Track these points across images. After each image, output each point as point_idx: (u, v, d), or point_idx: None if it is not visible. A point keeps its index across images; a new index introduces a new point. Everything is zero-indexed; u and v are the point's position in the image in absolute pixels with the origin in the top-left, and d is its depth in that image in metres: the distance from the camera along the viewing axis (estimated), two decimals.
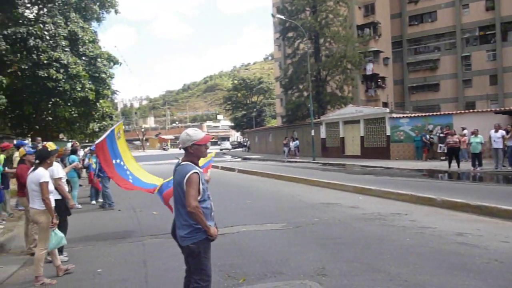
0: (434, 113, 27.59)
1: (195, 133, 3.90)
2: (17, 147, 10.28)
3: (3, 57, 18.43)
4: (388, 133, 27.60)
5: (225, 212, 10.20)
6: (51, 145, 6.55)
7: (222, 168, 26.67)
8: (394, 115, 27.97)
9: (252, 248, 6.92)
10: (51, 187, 5.93)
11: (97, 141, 7.16)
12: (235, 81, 77.78)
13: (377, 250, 6.54)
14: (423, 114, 27.60)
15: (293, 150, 34.94)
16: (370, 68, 45.67)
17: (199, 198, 3.72)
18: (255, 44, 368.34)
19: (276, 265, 5.99)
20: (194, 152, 3.89)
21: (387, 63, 49.40)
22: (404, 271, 5.45)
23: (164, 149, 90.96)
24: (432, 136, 24.78)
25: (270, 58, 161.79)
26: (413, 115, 28.41)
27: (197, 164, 3.89)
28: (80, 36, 23.15)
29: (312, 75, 36.40)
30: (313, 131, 31.14)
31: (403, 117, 27.63)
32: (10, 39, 19.58)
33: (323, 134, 33.85)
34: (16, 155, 10.09)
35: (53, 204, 5.86)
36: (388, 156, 27.12)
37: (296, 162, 30.38)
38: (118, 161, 8.20)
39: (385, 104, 45.68)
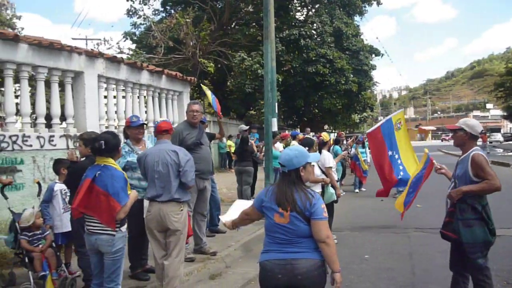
0: None
1: None
2: (293, 137, 11.63)
3: (279, 57, 20.94)
4: None
5: (500, 212, 9.15)
6: (325, 136, 7.15)
7: (492, 162, 23.94)
8: None
9: None
10: (317, 171, 6.39)
11: (369, 130, 6.97)
12: (509, 64, 68.19)
13: None
14: None
15: None
16: None
17: None
18: None
19: None
20: None
21: None
22: None
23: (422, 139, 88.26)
24: None
25: None
26: None
27: None
28: (344, 31, 24.36)
29: None
30: None
31: None
32: (285, 41, 22.12)
33: None
34: (294, 144, 11.34)
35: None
36: None
37: None
38: (393, 153, 7.44)
39: None
